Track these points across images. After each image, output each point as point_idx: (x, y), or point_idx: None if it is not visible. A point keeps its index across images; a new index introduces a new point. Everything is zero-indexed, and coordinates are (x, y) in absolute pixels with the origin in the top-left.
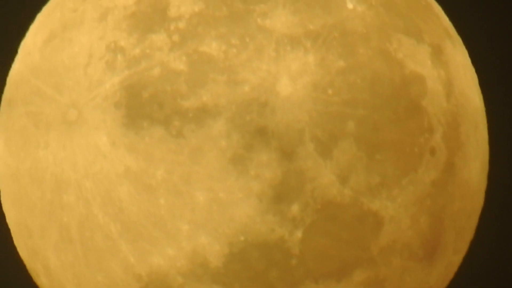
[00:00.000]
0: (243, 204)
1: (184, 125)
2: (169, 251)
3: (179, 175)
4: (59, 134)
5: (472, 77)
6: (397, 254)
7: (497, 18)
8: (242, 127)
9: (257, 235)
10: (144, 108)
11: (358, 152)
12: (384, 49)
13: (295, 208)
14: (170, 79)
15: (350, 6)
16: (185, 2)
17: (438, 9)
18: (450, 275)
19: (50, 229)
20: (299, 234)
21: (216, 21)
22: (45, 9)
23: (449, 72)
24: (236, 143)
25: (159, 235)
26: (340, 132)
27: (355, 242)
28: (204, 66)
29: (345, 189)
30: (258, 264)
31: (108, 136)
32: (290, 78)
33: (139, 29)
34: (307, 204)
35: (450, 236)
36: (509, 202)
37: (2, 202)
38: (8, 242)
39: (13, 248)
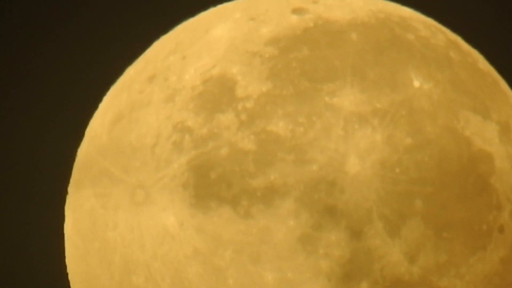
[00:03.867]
0: (312, 284)
1: (253, 204)
2: None
3: (247, 255)
4: (127, 215)
5: None
6: None
7: None
8: (310, 206)
9: None
10: (212, 188)
11: (426, 230)
12: (451, 127)
13: (364, 287)
14: (238, 159)
15: (416, 84)
16: (253, 82)
17: (505, 86)
18: None
19: None
20: None
21: (284, 100)
22: (112, 91)
23: None
24: (304, 222)
25: None
26: (408, 210)
27: None
28: (272, 145)
29: (414, 267)
30: None
31: (176, 216)
32: (358, 156)
33: (206, 109)
34: (376, 283)
35: None
36: None
37: (71, 283)
38: None
39: None
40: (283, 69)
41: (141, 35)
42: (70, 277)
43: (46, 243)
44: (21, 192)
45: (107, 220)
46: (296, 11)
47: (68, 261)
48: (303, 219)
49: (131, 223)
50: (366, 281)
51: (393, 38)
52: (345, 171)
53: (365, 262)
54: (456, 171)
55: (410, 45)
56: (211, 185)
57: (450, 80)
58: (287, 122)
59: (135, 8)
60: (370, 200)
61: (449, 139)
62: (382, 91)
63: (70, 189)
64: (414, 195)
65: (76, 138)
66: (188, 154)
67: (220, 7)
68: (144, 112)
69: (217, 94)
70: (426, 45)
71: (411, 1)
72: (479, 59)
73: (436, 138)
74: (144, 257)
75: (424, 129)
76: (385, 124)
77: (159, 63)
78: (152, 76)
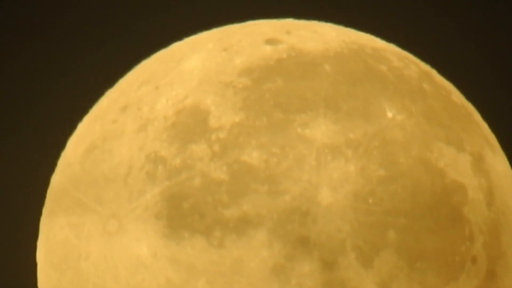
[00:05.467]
0: None
1: (226, 235)
2: None
3: (220, 286)
4: (100, 245)
5: None
6: None
7: None
8: (283, 237)
9: None
10: (185, 218)
11: (399, 261)
12: (424, 158)
13: None
14: (211, 189)
15: (390, 115)
16: (226, 113)
17: (478, 118)
18: None
19: None
20: None
21: (257, 131)
22: (85, 121)
23: (490, 180)
24: (277, 253)
25: None
26: (381, 241)
27: None
28: (245, 176)
29: None
30: None
31: (149, 247)
32: (331, 187)
33: (179, 139)
34: None
35: None
36: None
37: None
38: None
39: None
40: (257, 100)
41: (113, 66)
42: None
43: (18, 273)
44: None
45: (80, 250)
46: (270, 41)
47: None
48: (276, 250)
49: (104, 253)
50: None
51: (366, 69)
52: (318, 202)
53: None
54: (430, 202)
55: (383, 76)
56: (184, 215)
57: (423, 112)
58: (261, 153)
59: (108, 39)
60: (343, 231)
61: (423, 170)
62: (355, 123)
63: (43, 218)
64: (387, 226)
65: (49, 167)
66: (161, 184)
67: (193, 37)
68: (117, 142)
69: (190, 124)
70: (399, 77)
71: (385, 33)
72: (453, 91)
73: (409, 169)
74: (117, 287)
75: (397, 160)
76: (358, 155)
77: (132, 93)
78: (125, 106)
